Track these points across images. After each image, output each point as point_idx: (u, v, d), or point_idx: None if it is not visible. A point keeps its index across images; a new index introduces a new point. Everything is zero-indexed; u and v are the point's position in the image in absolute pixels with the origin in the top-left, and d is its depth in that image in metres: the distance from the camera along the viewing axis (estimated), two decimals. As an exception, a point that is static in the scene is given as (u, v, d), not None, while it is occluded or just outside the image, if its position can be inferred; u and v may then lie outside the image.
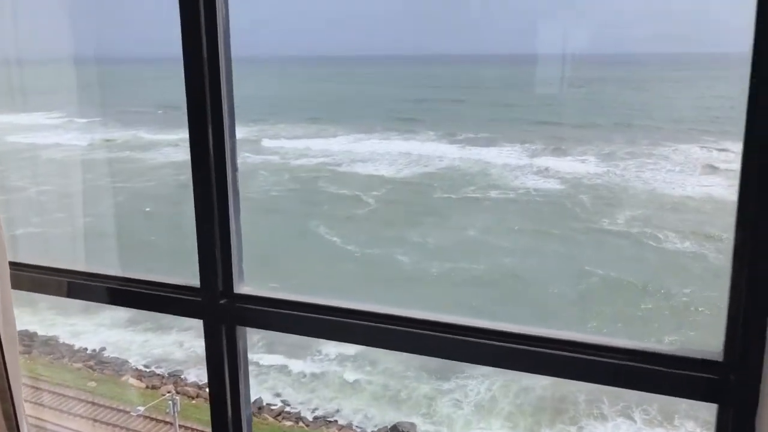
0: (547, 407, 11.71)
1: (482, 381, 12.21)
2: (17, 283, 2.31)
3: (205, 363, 2.24)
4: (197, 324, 2.21)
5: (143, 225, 18.93)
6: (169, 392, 11.83)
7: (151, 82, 37.22)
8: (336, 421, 11.98)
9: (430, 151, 25.54)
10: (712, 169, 21.14)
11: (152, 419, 11.11)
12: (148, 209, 20.11)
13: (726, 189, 18.91)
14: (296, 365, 13.06)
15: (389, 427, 11.80)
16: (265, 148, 26.33)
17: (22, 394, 2.26)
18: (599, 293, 14.42)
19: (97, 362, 13.05)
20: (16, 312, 2.26)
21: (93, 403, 11.35)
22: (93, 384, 12.21)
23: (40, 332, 13.18)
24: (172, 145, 25.57)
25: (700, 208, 18.29)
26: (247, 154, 24.12)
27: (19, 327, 2.28)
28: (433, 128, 28.38)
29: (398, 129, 28.80)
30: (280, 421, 11.84)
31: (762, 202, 1.50)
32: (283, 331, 2.21)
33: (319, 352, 13.33)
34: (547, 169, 22.25)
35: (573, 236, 17.32)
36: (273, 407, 12.12)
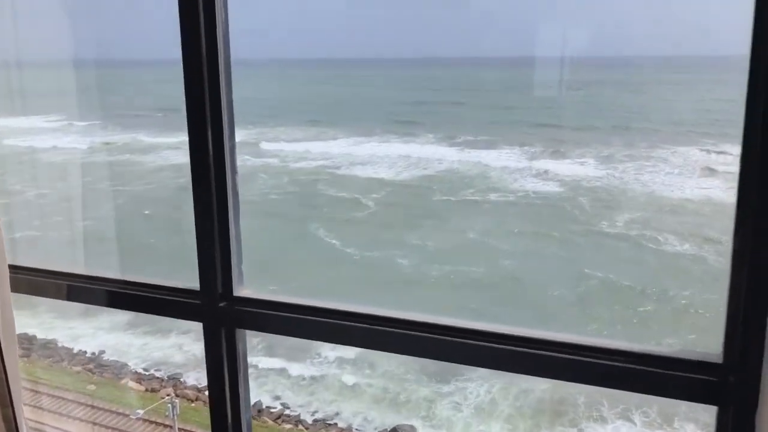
0: (547, 409, 11.70)
1: (482, 384, 12.20)
2: (16, 286, 2.31)
3: (204, 366, 2.24)
4: (196, 327, 2.21)
5: (143, 228, 18.92)
6: (168, 395, 11.82)
7: (151, 85, 37.25)
8: (336, 423, 11.96)
9: (430, 154, 25.56)
10: (710, 171, 21.16)
11: (151, 422, 11.10)
12: (147, 212, 20.11)
13: (725, 191, 18.93)
14: (295, 368, 13.05)
15: (389, 429, 11.79)
16: (265, 151, 26.34)
17: (21, 397, 2.26)
18: (598, 296, 14.42)
19: (96, 365, 13.03)
20: (15, 315, 2.26)
21: (92, 407, 11.34)
22: (92, 387, 12.19)
23: (39, 335, 13.17)
24: (172, 148, 25.57)
25: (699, 210, 18.31)
26: (246, 157, 24.13)
27: (18, 330, 2.28)
28: (432, 131, 28.40)
29: (398, 132, 28.82)
30: (279, 424, 11.83)
31: (761, 205, 1.50)
32: (282, 334, 2.21)
33: (319, 355, 13.32)
34: (546, 171, 22.26)
35: (572, 239, 17.32)
36: (272, 410, 12.10)
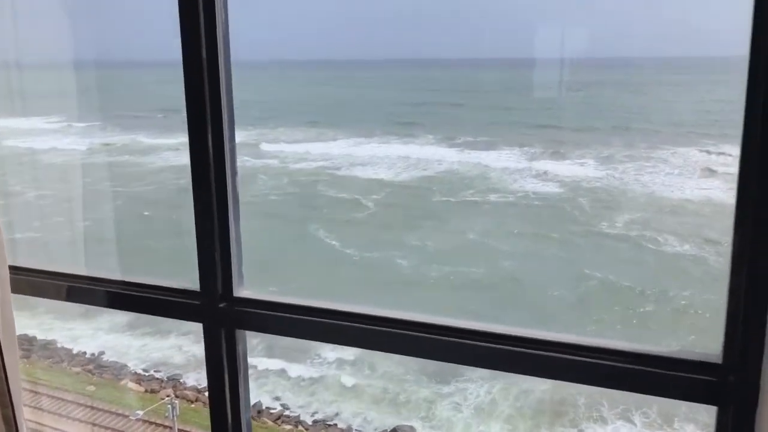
0: (547, 410, 11.70)
1: (482, 384, 12.20)
2: (16, 287, 2.31)
3: (203, 367, 2.24)
4: (196, 328, 2.21)
5: (142, 229, 18.93)
6: (168, 396, 11.81)
7: (151, 86, 37.25)
8: (335, 424, 11.96)
9: (429, 155, 25.56)
10: (710, 172, 21.17)
11: (151, 423, 11.10)
12: (147, 213, 20.11)
13: (725, 192, 18.94)
14: (295, 369, 13.05)
15: (389, 430, 11.79)
16: (264, 152, 26.35)
17: (21, 398, 2.26)
18: (598, 297, 14.42)
19: (96, 366, 13.03)
20: (14, 316, 2.26)
21: (92, 407, 11.33)
22: (92, 388, 12.19)
23: (39, 336, 13.17)
24: (172, 149, 25.57)
25: (699, 211, 18.31)
26: (246, 158, 24.14)
27: (18, 331, 2.28)
28: (432, 132, 28.40)
29: (397, 133, 28.83)
30: (279, 425, 11.82)
31: (760, 205, 1.50)
32: (282, 335, 2.21)
33: (318, 355, 13.32)
34: (545, 172, 22.27)
35: (572, 239, 17.33)
36: (272, 411, 12.10)
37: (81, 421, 10.87)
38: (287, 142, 28.41)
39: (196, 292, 2.20)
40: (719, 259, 15.15)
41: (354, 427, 11.93)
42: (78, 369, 12.95)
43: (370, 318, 1.98)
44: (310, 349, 13.32)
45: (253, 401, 11.43)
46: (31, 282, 2.50)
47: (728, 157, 21.11)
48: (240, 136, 2.15)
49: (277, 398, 12.45)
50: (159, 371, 13.09)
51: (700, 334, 12.32)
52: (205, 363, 2.23)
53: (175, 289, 2.28)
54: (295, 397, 12.52)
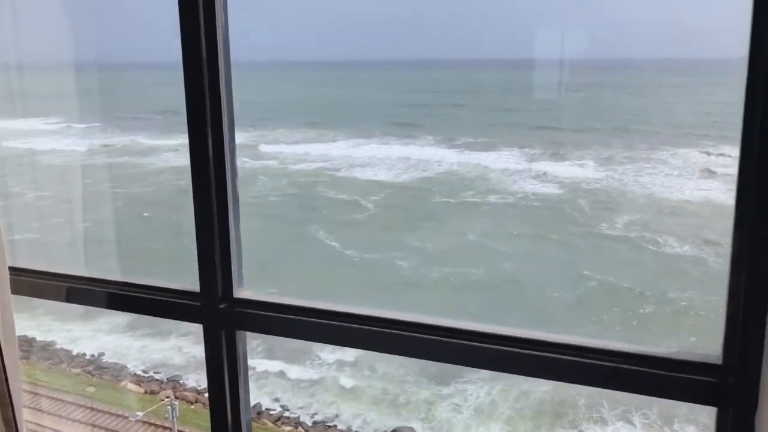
0: (547, 411, 11.70)
1: (482, 385, 12.20)
2: (16, 288, 2.31)
3: (203, 368, 2.24)
4: (196, 329, 2.21)
5: (142, 230, 18.92)
6: (167, 397, 11.81)
7: (151, 87, 37.26)
8: (335, 425, 11.96)
9: (429, 156, 25.57)
10: (710, 173, 21.18)
11: (151, 424, 11.10)
12: (146, 214, 20.11)
13: (724, 193, 18.95)
14: (295, 371, 13.05)
15: (389, 431, 11.80)
16: (264, 153, 26.35)
17: (21, 399, 2.26)
18: (598, 298, 14.43)
19: (95, 367, 13.03)
20: (14, 317, 2.26)
21: (92, 409, 11.33)
22: (92, 389, 12.19)
23: (38, 338, 13.17)
24: (172, 150, 25.58)
25: (699, 212, 18.32)
26: (245, 159, 24.14)
27: (17, 332, 2.28)
28: (432, 133, 28.42)
29: (397, 134, 28.84)
30: (279, 426, 11.82)
31: (760, 206, 1.50)
32: (282, 336, 2.21)
33: (318, 357, 13.31)
34: (545, 173, 22.28)
35: (571, 240, 17.33)
36: (272, 412, 12.10)
37: (81, 423, 10.87)
38: (287, 143, 28.42)
39: (196, 293, 2.20)
40: (719, 260, 15.16)
41: (354, 428, 11.93)
42: (78, 370, 12.95)
43: (370, 319, 1.98)
44: (310, 351, 13.32)
45: (252, 402, 11.43)
46: (31, 283, 2.50)
47: (728, 159, 21.12)
48: (239, 137, 2.15)
49: (276, 399, 12.45)
50: (159, 372, 13.08)
51: (701, 335, 12.32)
52: (205, 364, 2.23)
53: (176, 290, 2.28)
54: (295, 398, 12.52)
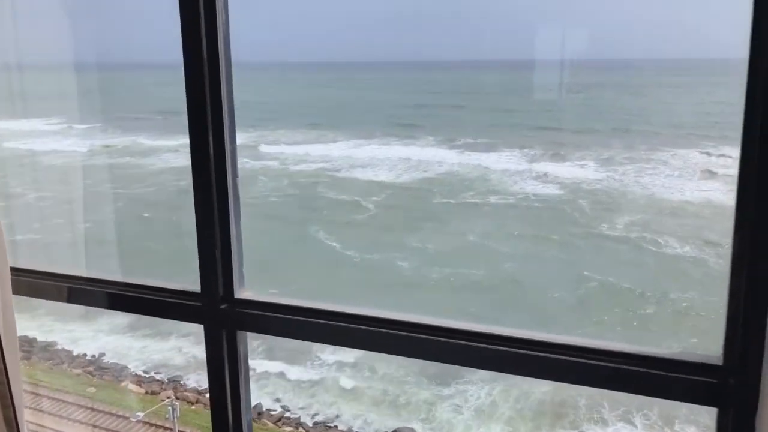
0: (548, 412, 11.70)
1: (482, 386, 12.19)
2: (18, 289, 2.31)
3: (204, 368, 2.24)
4: (196, 330, 2.21)
5: (142, 231, 18.93)
6: (168, 398, 11.82)
7: (151, 87, 37.28)
8: (336, 426, 11.96)
9: (430, 157, 25.57)
10: (710, 174, 21.17)
11: (152, 425, 11.10)
12: (147, 215, 20.12)
13: (725, 194, 18.95)
14: (295, 372, 13.05)
15: (389, 432, 11.81)
16: (265, 154, 26.36)
17: (23, 399, 2.26)
18: (598, 298, 14.42)
19: (96, 368, 13.03)
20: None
21: (92, 409, 11.33)
22: (92, 389, 12.19)
23: (39, 338, 13.18)
24: (172, 151, 25.59)
25: (700, 212, 18.31)
26: (246, 160, 24.13)
27: (18, 333, 2.28)
28: (432, 134, 28.42)
29: (398, 134, 28.85)
30: (280, 427, 11.82)
31: (760, 206, 1.50)
32: (283, 336, 2.21)
33: (318, 357, 13.31)
34: (546, 174, 22.27)
35: (572, 241, 17.33)
36: (273, 413, 12.10)
37: (81, 423, 10.88)
38: (287, 143, 28.43)
39: (197, 293, 2.20)
40: (719, 260, 15.15)
41: (354, 428, 11.93)
42: (78, 371, 12.95)
43: (371, 320, 1.98)
44: (310, 351, 13.32)
45: (253, 403, 11.44)
46: (32, 283, 2.50)
47: (728, 159, 21.12)
48: (240, 137, 2.15)
49: (277, 400, 12.45)
50: (159, 373, 13.09)
51: (702, 336, 12.31)
52: (205, 365, 2.23)
53: (176, 290, 2.28)
54: (296, 398, 12.52)
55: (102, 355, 13.48)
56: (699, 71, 32.43)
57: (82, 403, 11.41)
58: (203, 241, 2.14)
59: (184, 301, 2.25)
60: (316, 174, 24.33)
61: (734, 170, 1.55)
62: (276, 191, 22.65)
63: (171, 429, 10.86)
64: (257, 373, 12.58)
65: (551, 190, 20.98)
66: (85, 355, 13.42)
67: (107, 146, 27.94)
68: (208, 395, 2.27)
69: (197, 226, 2.14)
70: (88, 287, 2.45)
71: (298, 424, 11.92)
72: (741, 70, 1.50)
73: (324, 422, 12.02)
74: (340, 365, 13.17)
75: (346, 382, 12.82)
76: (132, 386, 12.61)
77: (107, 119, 29.79)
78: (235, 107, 2.11)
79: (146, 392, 12.39)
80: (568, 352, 1.74)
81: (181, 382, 12.74)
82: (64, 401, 11.12)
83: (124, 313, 2.59)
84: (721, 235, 15.93)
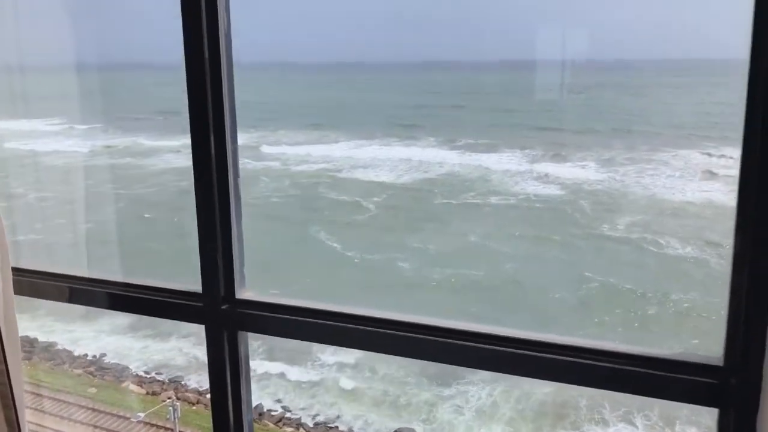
0: (549, 412, 11.70)
1: (483, 387, 12.19)
2: (19, 289, 2.31)
3: (204, 369, 2.24)
4: (196, 331, 2.21)
5: (143, 231, 18.93)
6: (169, 398, 11.82)
7: (151, 88, 37.28)
8: (337, 427, 11.96)
9: (431, 157, 25.56)
10: (711, 174, 21.16)
11: (153, 425, 11.11)
12: (148, 215, 20.13)
13: (726, 194, 18.93)
14: (295, 372, 13.04)
15: (390, 433, 11.80)
16: (266, 155, 26.36)
17: (24, 400, 2.27)
18: (599, 299, 14.41)
19: (97, 368, 13.04)
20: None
21: (93, 410, 11.34)
22: (93, 390, 12.19)
23: (40, 339, 13.18)
24: (173, 152, 25.60)
25: (701, 213, 18.30)
26: (247, 160, 24.14)
27: (19, 333, 2.28)
28: (433, 134, 28.41)
29: (399, 135, 28.84)
30: (281, 427, 11.82)
31: (761, 207, 1.50)
32: (284, 336, 2.21)
33: (319, 358, 13.31)
34: (547, 174, 22.26)
35: (573, 242, 17.32)
36: (274, 413, 12.10)
37: (82, 423, 10.88)
38: (289, 144, 28.44)
39: (198, 293, 2.21)
40: (721, 261, 15.14)
41: (355, 429, 11.93)
42: (79, 371, 12.96)
43: (372, 320, 1.98)
44: (310, 352, 13.32)
45: (254, 403, 11.44)
46: (33, 284, 2.50)
47: (729, 160, 21.10)
48: (241, 138, 2.15)
49: (278, 400, 12.45)
50: (160, 373, 13.09)
51: (703, 336, 12.30)
52: (206, 365, 2.23)
53: (178, 290, 2.29)
54: (297, 399, 12.52)
55: (103, 355, 13.48)
56: (699, 72, 32.40)
57: (83, 404, 11.41)
58: (204, 242, 2.14)
59: (186, 302, 2.25)
60: (318, 174, 24.34)
61: (735, 171, 1.55)
62: (277, 192, 22.65)
63: (172, 429, 10.86)
64: (258, 374, 12.58)
65: (552, 190, 20.97)
66: (86, 355, 13.42)
67: (108, 147, 27.95)
68: (208, 396, 2.28)
69: (198, 226, 2.14)
70: (89, 287, 2.45)
71: (299, 424, 11.91)
72: (741, 71, 1.50)
73: (325, 423, 12.02)
74: (341, 366, 13.17)
75: (347, 383, 12.81)
76: (133, 387, 12.61)
77: (108, 120, 29.81)
78: (236, 107, 2.11)
79: (147, 393, 12.39)
80: (569, 353, 1.74)
81: (182, 382, 12.74)
82: (65, 402, 11.12)
83: (125, 313, 2.59)
84: (722, 236, 15.92)
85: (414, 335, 1.91)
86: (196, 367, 12.94)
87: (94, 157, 26.74)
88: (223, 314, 2.17)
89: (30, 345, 11.93)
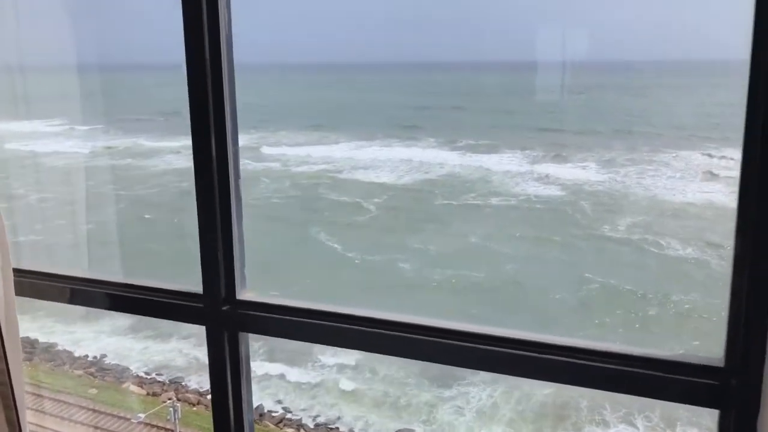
0: (549, 413, 11.69)
1: (484, 388, 12.18)
2: (20, 290, 2.31)
3: (205, 370, 2.24)
4: (197, 332, 2.21)
5: (144, 232, 18.94)
6: (170, 399, 11.82)
7: (152, 89, 37.29)
8: (337, 428, 11.95)
9: (431, 158, 25.55)
10: (712, 175, 21.15)
11: (153, 426, 11.10)
12: (148, 216, 20.13)
13: (727, 196, 18.91)
14: (295, 373, 13.04)
15: (390, 434, 11.80)
16: (266, 155, 26.36)
17: (25, 401, 2.27)
18: (600, 300, 14.40)
19: (98, 369, 13.03)
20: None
21: (94, 410, 11.34)
22: (94, 391, 12.19)
23: (41, 339, 13.18)
24: (174, 152, 25.60)
25: (702, 214, 18.28)
26: (247, 161, 24.12)
27: (20, 334, 2.28)
28: (433, 135, 28.40)
29: (399, 136, 28.83)
30: (281, 428, 11.82)
31: (761, 208, 1.50)
32: (285, 337, 2.21)
33: (319, 360, 13.30)
34: (547, 175, 22.25)
35: (574, 243, 17.31)
36: (274, 414, 12.10)
37: (83, 424, 10.88)
38: (289, 145, 28.44)
39: (199, 294, 2.21)
40: (722, 262, 15.13)
41: (356, 430, 11.92)
42: (80, 372, 12.95)
43: (372, 321, 1.98)
44: (311, 353, 13.31)
45: (254, 404, 11.43)
46: (35, 284, 2.50)
47: (730, 161, 21.08)
48: (241, 139, 2.16)
49: (279, 401, 12.45)
50: (161, 374, 13.09)
51: (704, 338, 12.29)
52: (206, 366, 2.23)
53: (178, 291, 2.29)
54: (297, 400, 12.52)
55: (103, 356, 13.48)
56: (699, 72, 32.38)
57: (84, 405, 11.41)
58: (205, 243, 2.14)
59: (186, 303, 2.25)
60: (318, 175, 24.34)
61: (736, 172, 1.55)
62: (278, 193, 22.65)
63: (172, 430, 10.85)
64: (258, 375, 12.57)
65: (553, 191, 20.97)
66: (86, 356, 13.42)
67: (109, 148, 27.94)
68: (209, 397, 2.28)
69: (199, 227, 2.14)
70: (90, 288, 2.46)
71: (299, 425, 11.91)
72: (741, 72, 1.50)
73: (325, 424, 12.01)
74: (341, 367, 13.16)
75: (347, 384, 12.81)
76: (133, 387, 12.60)
77: (109, 120, 29.79)
78: (236, 108, 2.11)
79: (147, 393, 12.38)
80: (569, 354, 1.74)
81: (183, 383, 12.74)
82: (65, 402, 11.12)
83: (125, 314, 2.60)
84: (723, 237, 15.90)
85: (414, 336, 1.91)
86: (197, 368, 12.93)
87: (95, 158, 26.74)
88: (223, 315, 2.17)
89: (31, 346, 11.93)
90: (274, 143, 28.40)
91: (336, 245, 17.68)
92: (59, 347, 13.51)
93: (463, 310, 14.04)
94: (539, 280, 15.53)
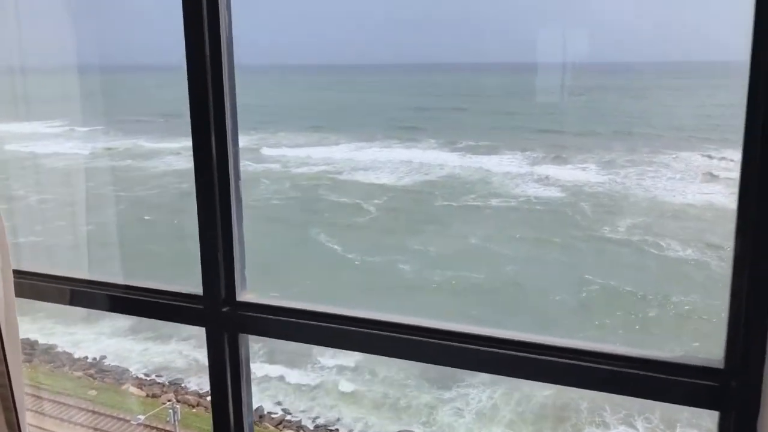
0: (549, 415, 11.68)
1: (483, 389, 12.17)
2: (20, 291, 2.31)
3: (205, 371, 2.24)
4: (197, 333, 2.21)
5: (144, 233, 18.93)
6: (169, 401, 11.81)
7: (152, 90, 37.30)
8: (337, 429, 11.95)
9: (431, 159, 25.56)
10: (712, 176, 21.15)
11: (153, 428, 11.09)
12: (148, 217, 20.13)
13: (727, 197, 18.91)
14: (295, 375, 13.03)
15: (390, 435, 11.79)
16: (266, 157, 26.37)
17: (24, 402, 2.26)
18: (600, 301, 14.40)
19: (97, 371, 13.03)
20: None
21: (93, 412, 11.33)
22: (93, 392, 12.18)
23: (40, 341, 13.17)
24: (174, 154, 25.61)
25: (701, 215, 18.29)
26: (247, 162, 24.12)
27: (20, 335, 2.28)
28: (434, 136, 28.42)
29: (399, 137, 28.85)
30: (281, 430, 11.81)
31: (761, 209, 1.50)
32: (285, 339, 2.21)
33: (318, 361, 13.29)
34: (547, 177, 22.26)
35: (574, 244, 17.31)
36: (274, 416, 12.09)
37: (83, 426, 10.87)
38: (289, 146, 28.45)
39: (199, 296, 2.21)
40: (722, 263, 15.12)
41: (355, 432, 11.93)
42: (80, 373, 12.94)
43: (372, 322, 1.98)
44: (310, 354, 13.31)
45: (254, 406, 11.42)
46: (35, 286, 2.50)
47: (730, 162, 21.09)
48: (241, 140, 2.15)
49: (278, 403, 12.44)
50: (160, 376, 13.08)
51: (704, 339, 12.29)
52: (206, 368, 2.23)
53: (178, 293, 2.29)
54: (297, 401, 12.51)
55: (103, 357, 13.48)
56: (699, 74, 32.42)
57: (83, 406, 11.40)
58: (205, 244, 2.14)
59: (186, 304, 2.25)
60: (318, 177, 24.34)
61: (735, 173, 1.55)
62: (278, 194, 22.66)
63: (172, 432, 10.86)
64: (258, 377, 12.57)
65: (553, 192, 20.97)
66: (86, 357, 13.42)
67: (109, 149, 27.95)
68: (209, 398, 2.28)
69: (199, 228, 2.14)
70: (90, 290, 2.45)
71: (299, 427, 11.90)
72: (741, 73, 1.50)
73: (325, 425, 12.01)
74: (341, 369, 13.16)
75: (347, 386, 12.80)
76: (133, 389, 12.59)
77: (109, 122, 29.80)
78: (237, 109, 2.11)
79: (147, 395, 12.37)
80: (569, 355, 1.74)
81: (182, 385, 12.73)
82: (65, 404, 11.11)
83: (125, 315, 2.59)
84: (723, 238, 15.90)
85: (413, 337, 1.91)
86: (197, 369, 12.93)
87: (95, 159, 26.75)
88: (223, 317, 2.17)
89: (30, 347, 11.91)
90: (274, 144, 28.41)
91: (336, 246, 17.68)
92: (59, 349, 13.50)
93: (463, 311, 14.04)
94: (539, 281, 15.52)
